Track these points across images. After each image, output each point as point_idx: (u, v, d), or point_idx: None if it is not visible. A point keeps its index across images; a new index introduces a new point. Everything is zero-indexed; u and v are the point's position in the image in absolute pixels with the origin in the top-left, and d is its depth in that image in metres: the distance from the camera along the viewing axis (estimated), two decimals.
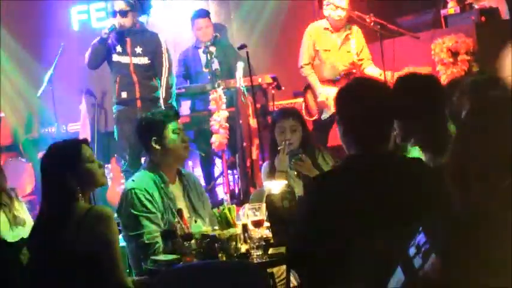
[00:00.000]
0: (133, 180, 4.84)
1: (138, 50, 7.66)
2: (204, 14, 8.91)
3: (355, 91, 3.40)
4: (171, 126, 4.84)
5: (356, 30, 8.12)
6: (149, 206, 4.62)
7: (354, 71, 8.04)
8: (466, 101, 4.18)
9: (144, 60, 7.68)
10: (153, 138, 4.82)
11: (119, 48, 7.66)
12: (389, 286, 2.31)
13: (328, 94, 7.90)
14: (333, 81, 8.06)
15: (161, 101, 7.64)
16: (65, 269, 3.80)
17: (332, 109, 7.61)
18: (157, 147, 4.82)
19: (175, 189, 4.89)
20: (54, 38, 9.37)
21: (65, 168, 3.99)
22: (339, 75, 8.03)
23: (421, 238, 2.21)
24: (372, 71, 7.97)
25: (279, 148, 5.39)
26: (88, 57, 7.73)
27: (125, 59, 7.65)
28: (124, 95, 7.65)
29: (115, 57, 7.67)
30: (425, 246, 2.17)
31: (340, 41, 8.08)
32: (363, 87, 3.43)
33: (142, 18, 7.95)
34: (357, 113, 3.30)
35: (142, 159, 7.39)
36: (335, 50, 8.08)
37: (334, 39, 8.09)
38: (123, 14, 7.61)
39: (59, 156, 4.05)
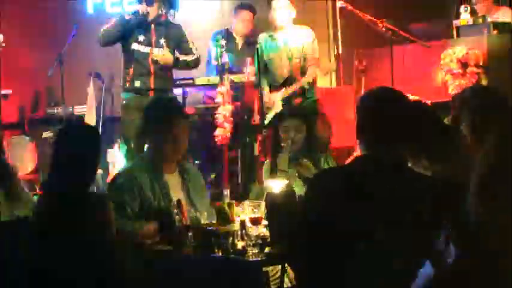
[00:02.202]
0: (127, 166, 4.90)
1: (162, 41, 7.70)
2: (249, 7, 9.00)
3: (374, 98, 3.52)
4: (174, 118, 4.88)
5: (301, 32, 8.06)
6: (126, 194, 4.65)
7: (294, 76, 7.98)
8: (466, 110, 4.26)
9: (166, 52, 7.71)
10: (155, 127, 4.87)
11: (140, 38, 7.66)
12: (418, 282, 2.35)
13: (272, 100, 8.02)
14: (275, 88, 8.11)
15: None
16: (64, 253, 3.83)
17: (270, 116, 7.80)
18: (158, 136, 4.86)
19: (172, 180, 4.91)
20: (69, 19, 9.42)
21: (96, 150, 4.03)
22: (281, 81, 8.05)
23: (447, 233, 2.24)
24: (308, 72, 7.91)
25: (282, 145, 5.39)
26: (103, 33, 7.71)
27: (145, 49, 7.66)
28: (137, 83, 7.66)
29: (134, 46, 7.67)
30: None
31: (282, 46, 8.06)
32: (382, 95, 3.53)
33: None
34: (373, 119, 3.42)
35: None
36: (278, 56, 8.09)
37: (276, 45, 8.09)
38: (150, 2, 7.64)
39: (95, 137, 4.06)
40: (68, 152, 3.99)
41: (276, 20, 8.01)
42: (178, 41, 7.83)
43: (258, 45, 7.93)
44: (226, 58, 8.01)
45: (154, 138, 4.89)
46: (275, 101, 8.00)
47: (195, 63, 7.95)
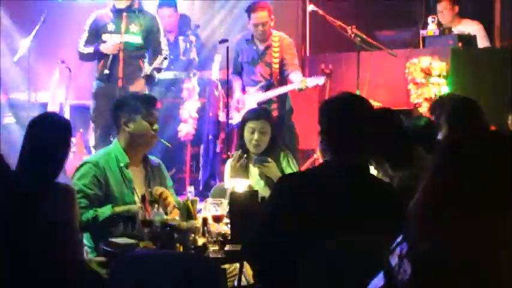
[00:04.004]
0: (94, 155, 4.94)
1: (133, 28, 7.65)
2: (166, 3, 8.94)
3: (338, 104, 3.55)
4: (146, 112, 4.92)
5: (279, 38, 7.99)
6: (92, 183, 4.70)
7: (272, 82, 7.96)
8: (444, 123, 4.36)
9: (137, 40, 7.67)
10: (126, 118, 4.91)
11: (110, 27, 7.64)
12: None
13: (242, 101, 7.99)
14: (251, 91, 8.06)
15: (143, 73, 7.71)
16: (22, 240, 3.83)
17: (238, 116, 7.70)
18: (127, 128, 4.89)
19: (137, 173, 4.95)
20: (37, 5, 9.37)
21: (68, 141, 4.05)
22: (258, 86, 7.98)
23: (403, 248, 2.28)
24: (294, 76, 7.81)
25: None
26: (81, 55, 7.82)
27: (116, 38, 7.63)
28: (106, 71, 7.66)
29: (105, 37, 7.67)
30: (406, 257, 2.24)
31: (260, 53, 7.99)
32: (346, 101, 3.57)
33: None
34: (337, 124, 3.46)
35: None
36: (255, 62, 8.02)
37: (254, 51, 8.01)
38: None
39: (67, 128, 4.07)
40: (38, 142, 4.00)
41: (256, 32, 7.92)
42: (150, 31, 7.77)
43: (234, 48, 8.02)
44: (194, 54, 8.06)
45: (125, 129, 4.93)
46: (248, 103, 7.90)
47: (163, 64, 7.91)
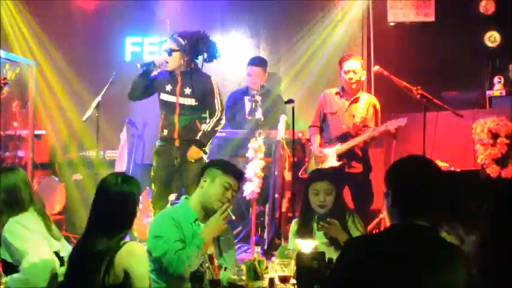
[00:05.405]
0: (170, 208, 5.03)
1: (187, 90, 7.72)
2: (258, 62, 9.12)
3: (406, 165, 3.52)
4: (229, 182, 5.00)
5: (368, 97, 8.10)
6: (172, 229, 4.78)
7: (350, 133, 7.98)
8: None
9: (191, 102, 7.73)
10: (209, 179, 5.01)
11: (168, 87, 7.76)
12: None
13: (321, 154, 8.01)
14: (329, 143, 8.09)
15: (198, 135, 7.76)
16: None
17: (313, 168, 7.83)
18: (204, 189, 4.98)
19: None
20: (106, 65, 9.62)
21: (137, 200, 4.12)
22: (337, 136, 8.04)
23: None
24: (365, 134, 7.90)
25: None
26: (130, 89, 7.90)
27: (172, 98, 7.72)
28: (165, 132, 7.75)
29: (162, 96, 7.76)
30: None
31: (347, 105, 8.06)
32: (414, 162, 3.54)
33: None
34: (405, 186, 3.42)
35: (171, 196, 7.54)
36: (340, 113, 8.08)
37: (341, 103, 8.09)
38: (169, 52, 7.74)
39: (137, 187, 4.15)
40: (108, 202, 4.08)
41: (346, 80, 8.03)
42: (204, 92, 7.81)
43: (318, 100, 8.20)
44: (260, 114, 8.12)
45: (203, 189, 5.02)
46: (328, 154, 7.97)
47: (217, 126, 7.89)
